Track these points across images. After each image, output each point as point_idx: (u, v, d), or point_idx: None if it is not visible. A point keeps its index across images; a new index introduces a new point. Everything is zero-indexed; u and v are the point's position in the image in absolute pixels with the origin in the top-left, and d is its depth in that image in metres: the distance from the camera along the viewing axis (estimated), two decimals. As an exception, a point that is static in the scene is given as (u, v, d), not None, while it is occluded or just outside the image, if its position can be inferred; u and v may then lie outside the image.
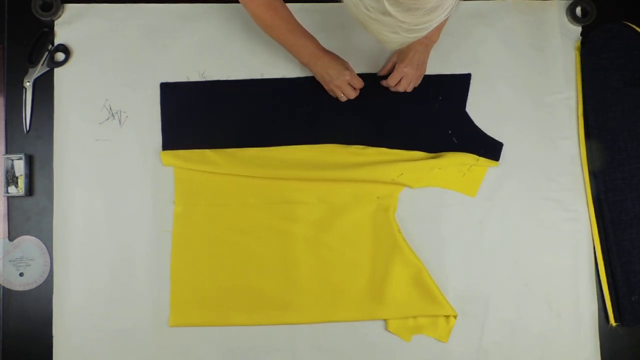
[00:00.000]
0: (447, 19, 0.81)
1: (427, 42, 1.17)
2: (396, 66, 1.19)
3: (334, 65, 1.16)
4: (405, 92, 1.22)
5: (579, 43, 1.29)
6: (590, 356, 1.21)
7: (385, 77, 1.22)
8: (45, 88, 1.21)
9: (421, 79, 1.21)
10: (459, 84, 1.26)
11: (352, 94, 1.20)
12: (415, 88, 1.23)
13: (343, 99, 1.21)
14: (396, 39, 0.81)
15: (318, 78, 1.19)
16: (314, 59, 1.15)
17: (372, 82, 1.24)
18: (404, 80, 1.19)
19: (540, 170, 1.25)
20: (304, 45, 1.14)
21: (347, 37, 1.25)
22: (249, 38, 1.24)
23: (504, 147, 1.24)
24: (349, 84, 1.18)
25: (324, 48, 1.16)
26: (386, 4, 0.75)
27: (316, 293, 1.18)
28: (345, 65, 1.18)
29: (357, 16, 0.81)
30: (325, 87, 1.20)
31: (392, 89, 1.22)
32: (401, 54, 1.18)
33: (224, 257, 1.18)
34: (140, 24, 1.24)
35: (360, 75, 1.24)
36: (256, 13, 1.08)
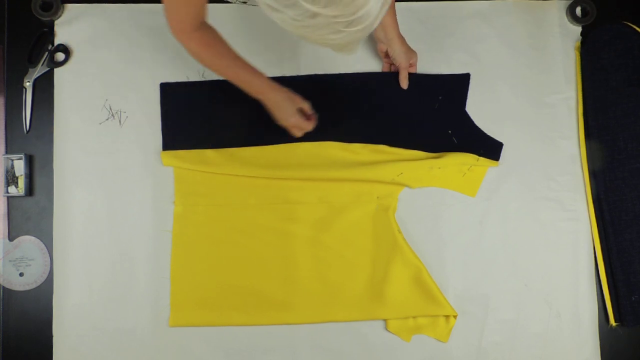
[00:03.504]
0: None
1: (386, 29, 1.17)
2: (400, 72, 1.21)
3: (281, 106, 1.12)
4: (405, 91, 1.23)
5: (579, 43, 1.29)
6: (590, 356, 1.21)
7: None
8: (45, 88, 1.21)
9: (411, 52, 1.21)
10: (459, 84, 1.26)
11: (307, 128, 1.15)
12: (415, 88, 1.23)
13: (297, 135, 1.16)
14: (344, 38, 0.74)
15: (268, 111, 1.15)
16: (259, 96, 1.11)
17: (371, 82, 1.24)
18: (412, 68, 1.22)
19: (540, 170, 1.25)
20: (247, 81, 1.09)
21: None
22: (249, 38, 1.24)
23: (503, 147, 1.24)
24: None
25: (271, 84, 1.10)
26: (304, 4, 0.69)
27: (316, 293, 1.18)
28: (294, 105, 1.13)
29: (294, 31, 0.75)
30: (277, 122, 1.15)
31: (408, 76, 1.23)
32: (390, 54, 1.19)
33: (224, 257, 1.18)
34: (140, 24, 1.24)
35: (359, 74, 1.24)
36: (186, 46, 1.04)
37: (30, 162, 1.20)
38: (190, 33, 1.02)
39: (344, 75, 1.24)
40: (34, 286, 1.17)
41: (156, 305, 1.17)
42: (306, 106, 1.16)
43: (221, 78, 1.22)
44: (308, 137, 1.22)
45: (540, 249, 1.22)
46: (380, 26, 1.17)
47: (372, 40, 1.25)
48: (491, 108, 1.25)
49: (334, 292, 1.18)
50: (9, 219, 1.18)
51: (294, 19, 0.72)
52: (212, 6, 1.24)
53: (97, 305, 1.16)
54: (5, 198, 1.19)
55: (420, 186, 1.22)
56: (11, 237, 1.18)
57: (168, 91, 1.22)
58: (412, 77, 1.23)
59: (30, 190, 1.19)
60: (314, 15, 0.70)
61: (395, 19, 1.17)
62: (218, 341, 1.16)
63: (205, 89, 1.22)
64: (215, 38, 1.06)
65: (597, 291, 1.22)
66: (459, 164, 1.22)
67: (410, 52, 1.21)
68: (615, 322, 1.21)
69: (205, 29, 1.04)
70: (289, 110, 1.13)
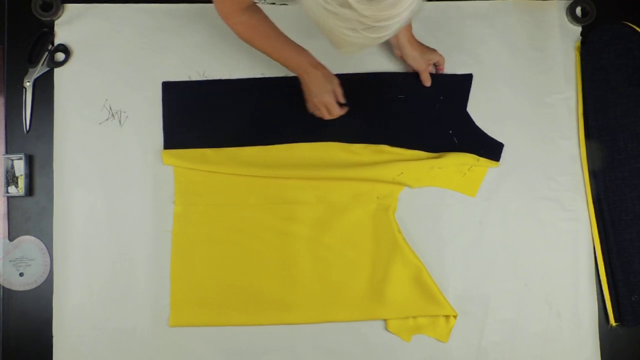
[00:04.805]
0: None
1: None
2: (420, 74, 1.22)
3: (319, 82, 1.14)
4: (406, 92, 1.23)
5: (579, 43, 1.29)
6: (590, 356, 1.21)
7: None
8: (45, 88, 1.21)
9: (429, 52, 1.22)
10: (461, 84, 1.26)
11: (335, 112, 1.17)
12: (416, 88, 1.24)
13: (325, 116, 1.18)
14: (354, 38, 0.75)
15: (303, 89, 1.18)
16: (299, 72, 1.14)
17: (373, 81, 1.24)
18: (439, 69, 1.24)
19: (540, 170, 1.25)
20: (290, 58, 1.12)
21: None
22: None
23: (504, 147, 1.24)
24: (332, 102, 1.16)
25: (312, 61, 1.12)
26: None
27: (316, 293, 1.18)
28: (331, 85, 1.15)
29: (313, 10, 0.75)
30: (309, 101, 1.18)
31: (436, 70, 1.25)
32: (409, 61, 1.20)
33: (224, 257, 1.18)
34: (140, 24, 1.24)
35: (360, 75, 1.24)
36: (234, 30, 1.07)
37: (30, 162, 1.20)
38: (237, 17, 1.05)
39: (344, 75, 1.23)
40: (34, 286, 1.17)
41: (156, 305, 1.17)
42: (339, 91, 1.17)
43: (222, 78, 1.23)
44: (309, 138, 1.22)
45: (540, 249, 1.22)
46: None
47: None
48: (491, 108, 1.25)
49: (334, 292, 1.18)
50: (9, 219, 1.18)
51: (325, 0, 0.72)
52: (212, 6, 1.24)
53: (97, 305, 1.16)
54: (5, 198, 1.19)
55: (420, 186, 1.22)
56: (11, 237, 1.18)
57: (170, 90, 1.22)
58: (414, 77, 1.24)
59: (30, 190, 1.19)
60: (346, 4, 0.71)
61: (406, 27, 1.17)
62: (218, 341, 1.16)
63: (206, 89, 1.22)
64: (261, 19, 1.08)
65: (597, 291, 1.22)
66: (460, 164, 1.22)
67: (427, 53, 1.21)
68: (615, 322, 1.21)
69: (252, 11, 1.07)
70: (325, 87, 1.15)
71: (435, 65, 1.24)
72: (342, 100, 1.18)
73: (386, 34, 0.75)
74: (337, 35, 0.76)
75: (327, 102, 1.16)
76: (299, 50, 1.12)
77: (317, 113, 1.18)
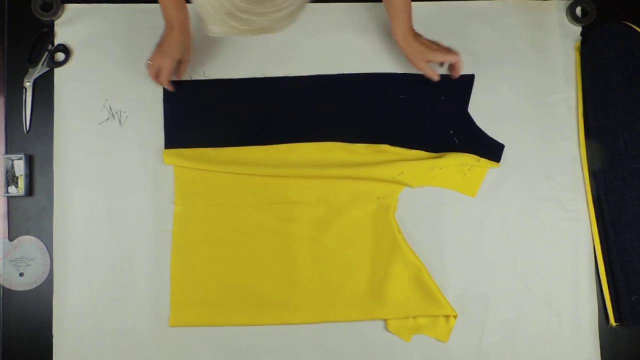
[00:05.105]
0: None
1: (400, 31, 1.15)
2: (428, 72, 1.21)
3: (172, 44, 1.12)
4: (407, 92, 1.23)
5: (579, 43, 1.29)
6: (590, 356, 1.21)
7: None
8: (45, 88, 1.21)
9: (431, 52, 1.18)
10: (462, 85, 1.25)
11: (162, 79, 1.17)
12: (418, 88, 1.24)
13: (152, 77, 1.17)
14: (215, 18, 0.70)
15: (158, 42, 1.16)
16: (167, 24, 1.11)
17: (374, 81, 1.24)
18: (454, 70, 1.22)
19: (540, 170, 1.25)
20: (168, 8, 1.09)
21: (349, 37, 1.25)
22: (250, 37, 1.24)
23: (504, 148, 1.24)
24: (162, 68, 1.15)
25: (183, 23, 1.11)
26: None
27: (316, 293, 1.18)
28: (181, 54, 1.14)
29: None
30: (153, 54, 1.16)
31: (454, 67, 1.22)
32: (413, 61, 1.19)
33: (224, 257, 1.18)
34: (140, 24, 1.24)
35: (361, 75, 1.24)
36: None
37: (30, 162, 1.20)
38: None
39: (345, 75, 1.24)
40: (34, 286, 1.17)
41: (156, 305, 1.17)
42: (184, 68, 1.17)
43: (224, 78, 1.22)
44: (309, 138, 1.22)
45: (540, 249, 1.22)
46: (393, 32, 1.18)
47: (374, 41, 1.25)
48: (492, 108, 1.25)
49: (334, 292, 1.18)
50: (9, 219, 1.18)
51: None
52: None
53: (97, 305, 1.16)
54: (5, 198, 1.19)
55: (420, 185, 1.22)
56: (11, 237, 1.18)
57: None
58: (415, 77, 1.24)
59: (30, 190, 1.19)
60: None
61: (400, 23, 1.15)
62: (218, 341, 1.16)
63: (208, 88, 1.22)
64: None
65: (597, 291, 1.22)
66: (460, 164, 1.22)
67: (427, 53, 1.17)
68: (615, 322, 1.21)
69: None
70: (174, 52, 1.13)
71: (450, 66, 1.22)
72: (180, 78, 1.19)
73: (246, 29, 0.71)
74: (202, 9, 0.72)
75: (163, 65, 1.15)
76: (180, 6, 1.10)
77: (149, 69, 1.17)
